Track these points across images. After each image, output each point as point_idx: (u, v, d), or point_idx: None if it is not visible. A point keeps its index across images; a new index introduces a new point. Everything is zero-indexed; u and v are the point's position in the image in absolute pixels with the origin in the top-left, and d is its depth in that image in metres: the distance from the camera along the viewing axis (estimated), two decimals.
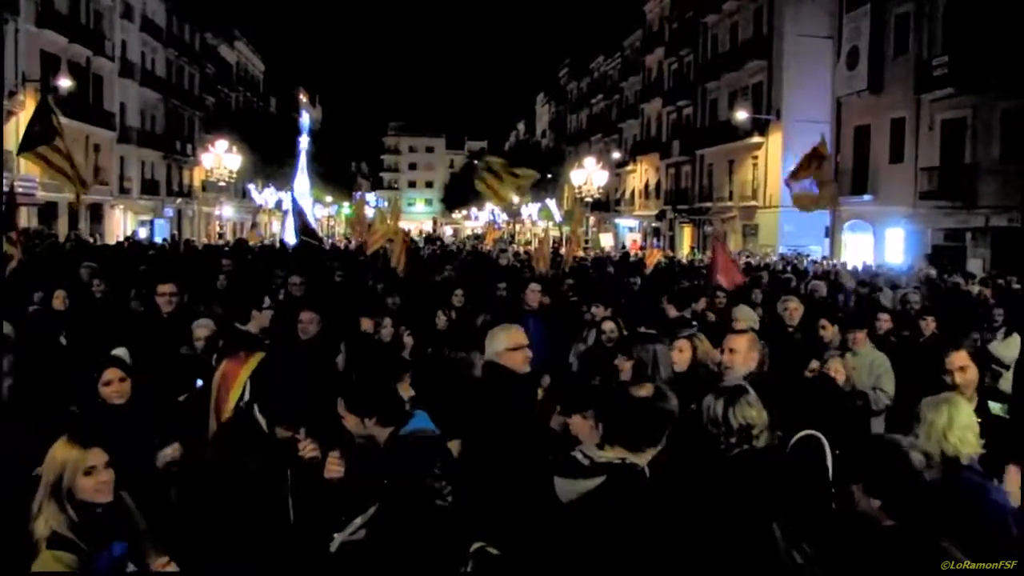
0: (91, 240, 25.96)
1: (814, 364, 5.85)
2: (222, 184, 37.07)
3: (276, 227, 48.03)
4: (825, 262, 25.86)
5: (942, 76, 26.55)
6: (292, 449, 3.59)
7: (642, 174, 54.65)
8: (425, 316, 7.98)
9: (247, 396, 4.38)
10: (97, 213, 38.72)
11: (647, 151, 52.77)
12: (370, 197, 60.49)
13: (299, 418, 3.64)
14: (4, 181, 18.44)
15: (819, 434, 3.72)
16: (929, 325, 7.98)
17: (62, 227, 31.56)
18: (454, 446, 3.85)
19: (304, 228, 12.09)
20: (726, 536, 2.95)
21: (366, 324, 6.95)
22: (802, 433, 3.76)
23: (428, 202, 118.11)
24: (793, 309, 7.74)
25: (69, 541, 2.93)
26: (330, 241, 34.10)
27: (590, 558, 2.66)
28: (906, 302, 9.76)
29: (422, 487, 3.22)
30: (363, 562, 3.20)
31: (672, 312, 8.14)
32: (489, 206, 65.92)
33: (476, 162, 26.97)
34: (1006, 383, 6.78)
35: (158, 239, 33.31)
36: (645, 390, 3.00)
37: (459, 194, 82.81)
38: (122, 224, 41.36)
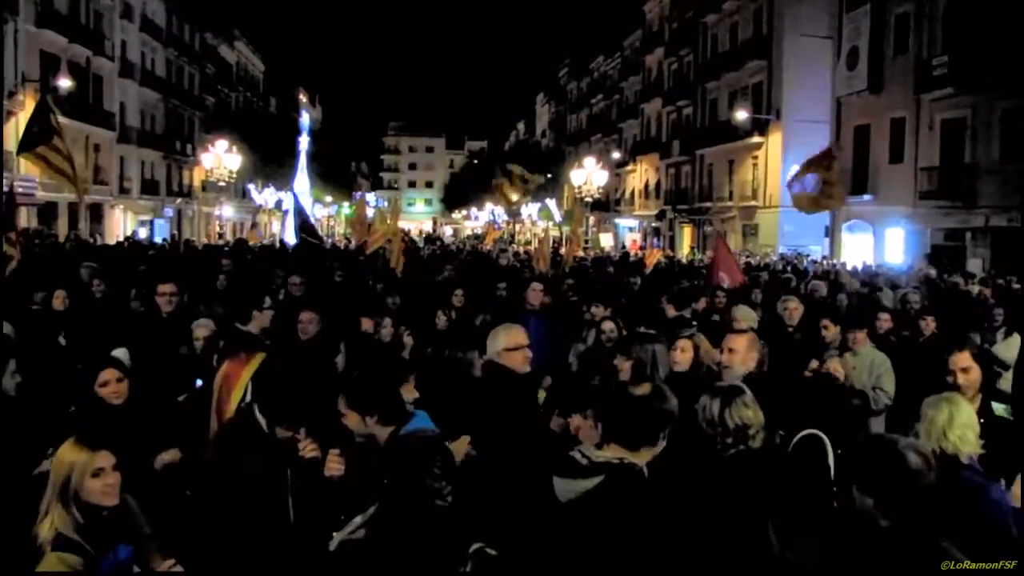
0: (91, 240, 25.95)
1: (814, 364, 5.86)
2: (222, 184, 37.08)
3: (276, 227, 48.08)
4: (825, 262, 25.87)
5: (942, 76, 26.56)
6: (292, 449, 3.59)
7: (642, 174, 54.65)
8: (425, 316, 7.99)
9: (249, 397, 4.38)
10: (97, 213, 38.72)
11: (647, 151, 52.77)
12: (370, 197, 60.45)
13: (299, 418, 3.64)
14: (4, 181, 18.45)
15: (821, 433, 3.72)
16: (929, 325, 7.99)
17: (62, 227, 31.56)
18: (459, 446, 3.84)
19: (305, 226, 12.08)
20: (722, 536, 2.95)
21: (366, 324, 6.95)
22: (804, 432, 3.76)
23: (428, 202, 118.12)
24: (793, 309, 7.75)
25: (74, 543, 2.91)
26: (330, 241, 34.08)
27: (588, 558, 2.66)
28: (906, 302, 9.77)
29: (422, 487, 3.22)
30: (362, 562, 3.20)
31: (671, 312, 8.14)
32: (489, 206, 65.98)
33: (498, 166, 27.10)
34: (1006, 383, 6.77)
35: (158, 239, 33.31)
36: (643, 389, 3.00)
37: (459, 194, 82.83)
38: (122, 224, 41.36)
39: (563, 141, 72.36)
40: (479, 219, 76.45)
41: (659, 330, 5.89)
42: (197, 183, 51.56)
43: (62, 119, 12.24)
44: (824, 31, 34.71)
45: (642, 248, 38.94)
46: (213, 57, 58.22)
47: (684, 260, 26.90)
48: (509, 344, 4.44)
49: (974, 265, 23.16)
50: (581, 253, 24.04)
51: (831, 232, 33.83)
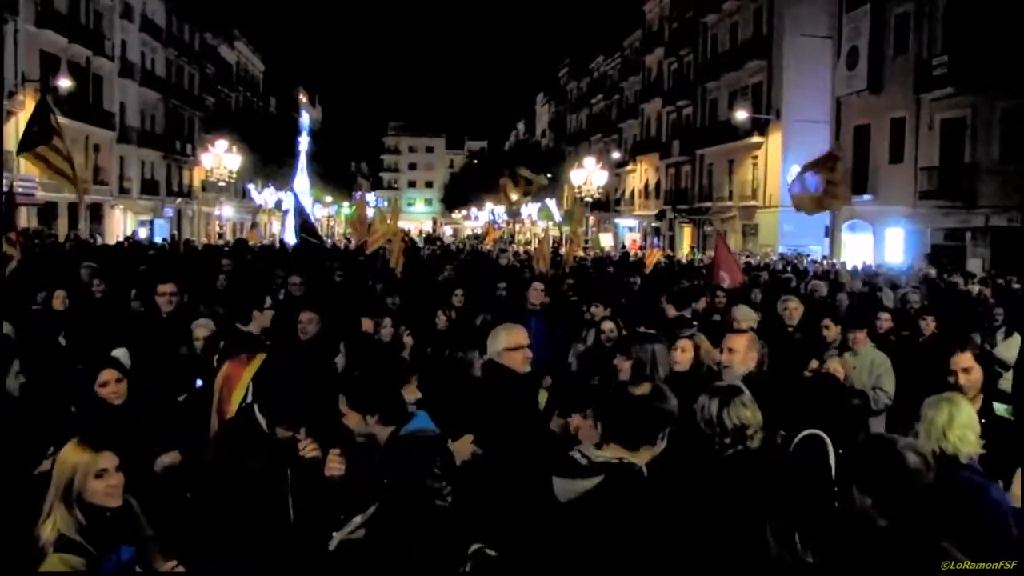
0: (91, 240, 25.95)
1: (814, 364, 5.86)
2: (222, 184, 37.09)
3: (276, 227, 48.11)
4: (825, 262, 25.87)
5: (942, 76, 26.56)
6: (292, 449, 3.59)
7: (642, 174, 54.65)
8: (425, 316, 7.99)
9: (250, 398, 4.38)
10: (97, 213, 38.71)
11: (647, 151, 52.77)
12: (370, 197, 60.49)
13: (299, 418, 3.64)
14: (4, 181, 18.45)
15: (822, 433, 3.72)
16: (929, 325, 7.99)
17: (62, 227, 31.56)
18: (462, 445, 3.84)
19: (306, 226, 12.07)
20: (719, 537, 2.95)
21: (366, 324, 6.95)
22: (805, 432, 3.76)
23: (428, 202, 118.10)
24: (793, 309, 7.75)
25: (77, 544, 2.90)
26: (330, 241, 34.09)
27: (588, 558, 2.66)
28: (906, 302, 9.77)
29: (422, 487, 3.22)
30: (362, 561, 3.20)
31: (671, 312, 8.15)
32: (489, 206, 65.96)
33: (506, 168, 27.24)
34: (1005, 383, 6.78)
35: (158, 239, 33.32)
36: (643, 389, 3.00)
37: (459, 194, 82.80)
38: (122, 224, 41.36)
39: (563, 141, 72.35)
40: (479, 219, 76.43)
41: (659, 330, 5.89)
42: (197, 183, 51.56)
43: (62, 119, 12.24)
44: (824, 31, 34.71)
45: (642, 248, 38.93)
46: (213, 57, 58.22)
47: (684, 260, 26.90)
48: (509, 344, 4.45)
49: (974, 265, 23.16)
50: (581, 253, 24.04)
51: (831, 232, 33.83)
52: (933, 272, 18.42)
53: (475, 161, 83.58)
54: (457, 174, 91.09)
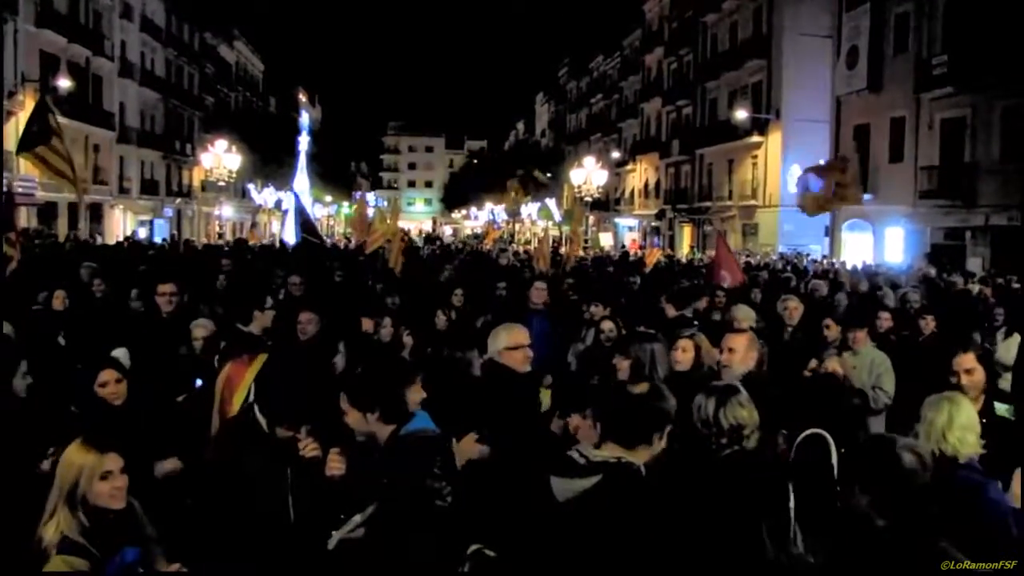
0: (91, 240, 25.94)
1: (814, 364, 5.86)
2: (222, 184, 37.09)
3: (276, 227, 48.02)
4: (825, 261, 25.87)
5: (942, 75, 26.56)
6: (292, 448, 3.59)
7: (642, 173, 54.64)
8: (425, 316, 7.99)
9: (251, 398, 4.38)
10: (97, 213, 38.70)
11: (647, 150, 52.76)
12: (370, 197, 60.46)
13: (299, 418, 3.64)
14: (4, 181, 18.44)
15: (824, 433, 3.72)
16: (929, 324, 7.99)
17: (62, 227, 31.56)
18: (466, 443, 3.84)
19: (307, 226, 12.07)
20: (716, 537, 2.95)
21: (366, 324, 6.95)
22: (807, 432, 3.76)
23: (428, 202, 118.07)
24: (793, 309, 7.75)
25: (80, 546, 2.88)
26: (330, 241, 34.09)
27: (586, 558, 2.66)
28: (906, 301, 9.77)
29: (422, 487, 3.22)
30: (361, 561, 3.20)
31: (671, 311, 8.15)
32: (489, 206, 65.97)
33: (519, 171, 27.46)
34: (1005, 383, 6.77)
35: (158, 239, 33.32)
36: (641, 388, 3.00)
37: (459, 194, 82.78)
38: (122, 224, 41.36)
39: (563, 141, 72.32)
40: (479, 219, 76.42)
41: (659, 330, 5.89)
42: (197, 183, 51.54)
43: (62, 119, 12.25)
44: (824, 30, 34.70)
45: (642, 247, 38.93)
46: (213, 57, 58.20)
47: (684, 260, 26.90)
48: (510, 343, 4.45)
49: (974, 264, 23.17)
50: (581, 253, 24.05)
51: (831, 231, 33.81)
52: (933, 271, 18.41)
53: (475, 161, 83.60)
54: (457, 174, 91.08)
